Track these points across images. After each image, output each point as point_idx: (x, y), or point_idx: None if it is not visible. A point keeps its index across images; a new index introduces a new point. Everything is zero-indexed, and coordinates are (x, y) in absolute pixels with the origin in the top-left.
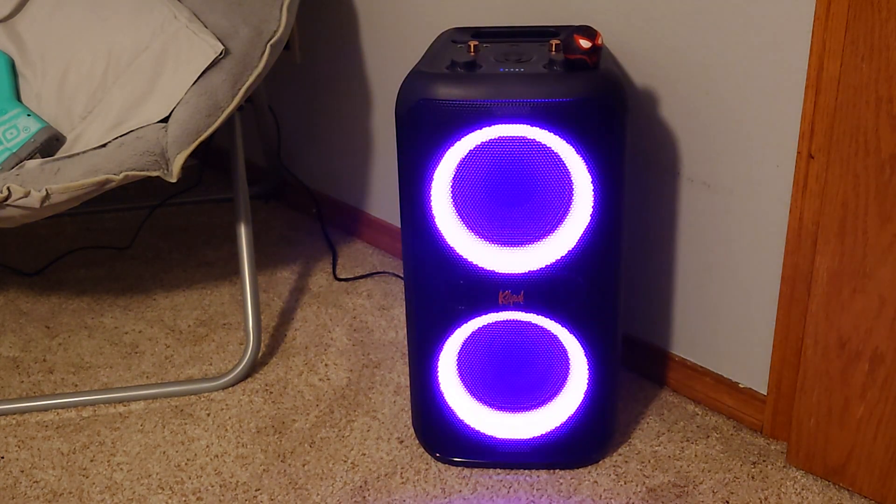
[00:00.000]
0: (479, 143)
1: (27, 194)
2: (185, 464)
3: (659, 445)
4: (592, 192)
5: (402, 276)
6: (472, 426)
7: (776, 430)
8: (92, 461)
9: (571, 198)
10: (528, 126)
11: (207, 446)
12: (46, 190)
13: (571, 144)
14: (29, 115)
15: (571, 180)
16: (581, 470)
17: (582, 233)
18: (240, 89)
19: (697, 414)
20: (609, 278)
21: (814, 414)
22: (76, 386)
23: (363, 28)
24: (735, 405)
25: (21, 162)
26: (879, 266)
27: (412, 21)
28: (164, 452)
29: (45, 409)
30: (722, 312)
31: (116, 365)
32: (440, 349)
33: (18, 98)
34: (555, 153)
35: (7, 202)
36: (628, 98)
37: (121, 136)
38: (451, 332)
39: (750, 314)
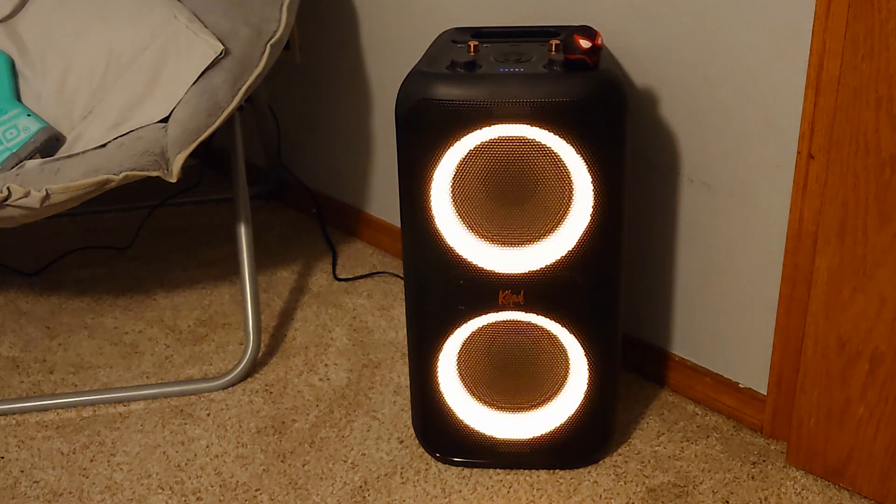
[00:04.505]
0: (479, 143)
1: (27, 194)
2: (185, 464)
3: (659, 445)
4: (592, 192)
5: (402, 276)
6: (472, 426)
7: (776, 430)
8: (92, 461)
9: (571, 198)
10: (528, 126)
11: (207, 446)
12: (46, 190)
13: (571, 144)
14: (29, 115)
15: (571, 180)
16: (581, 470)
17: (582, 233)
18: (240, 89)
19: (697, 414)
20: (609, 278)
21: (814, 414)
22: (76, 386)
23: (363, 28)
24: (735, 405)
25: (21, 162)
26: (879, 266)
27: (412, 21)
28: (164, 452)
29: (45, 409)
30: (722, 312)
31: (116, 365)
32: (440, 349)
33: (18, 98)
34: (555, 153)
35: (7, 202)
36: (628, 98)
37: (121, 136)
38: (451, 332)
39: (750, 314)
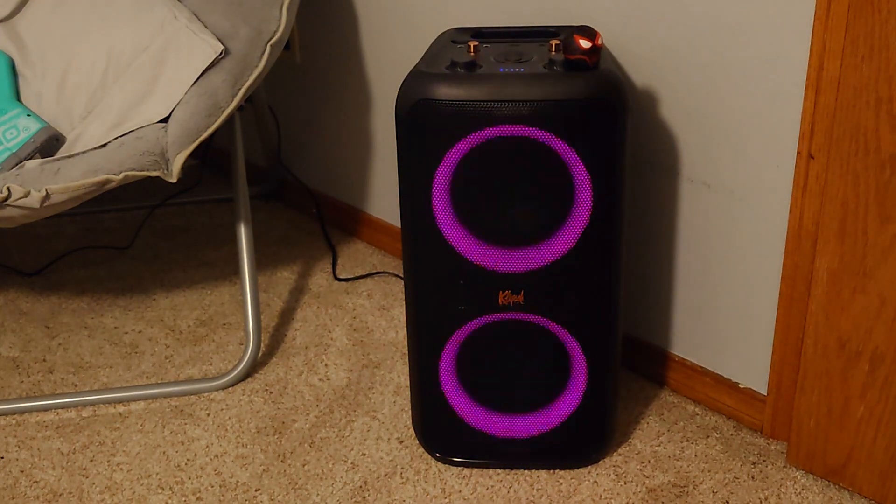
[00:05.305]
0: (479, 143)
1: (27, 194)
2: (185, 464)
3: (659, 445)
4: (592, 193)
5: (402, 276)
6: (472, 426)
7: (776, 430)
8: (92, 461)
9: (571, 198)
10: (528, 126)
11: (207, 446)
12: (46, 190)
13: (571, 144)
14: (29, 115)
15: (571, 180)
16: (581, 470)
17: (582, 233)
18: (240, 89)
19: (697, 414)
20: (609, 278)
21: (814, 414)
22: (76, 386)
23: (363, 28)
24: (735, 405)
25: (21, 162)
26: (879, 266)
27: (412, 21)
28: (164, 452)
29: (45, 409)
30: (722, 313)
31: (116, 365)
32: (440, 349)
33: (18, 98)
34: (555, 153)
35: (7, 202)
36: (628, 98)
37: (121, 136)
38: (451, 332)
39: (750, 314)
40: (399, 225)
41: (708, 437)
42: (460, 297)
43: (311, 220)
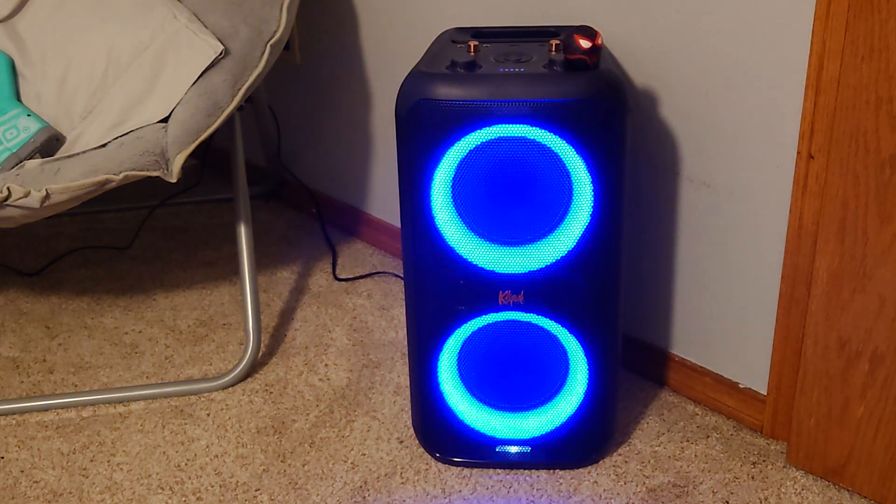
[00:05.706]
0: (479, 143)
1: (27, 194)
2: (185, 464)
3: (659, 445)
4: (592, 192)
5: (402, 276)
6: (472, 426)
7: (776, 430)
8: (92, 461)
9: (571, 198)
10: (528, 126)
11: (207, 446)
12: (46, 190)
13: (571, 144)
14: (29, 115)
15: (571, 180)
16: (581, 470)
17: (582, 233)
18: (240, 89)
19: (697, 414)
20: (609, 278)
21: (814, 414)
22: (76, 386)
23: (363, 28)
24: (735, 405)
25: (21, 162)
26: (879, 266)
27: (412, 21)
28: (164, 452)
29: (45, 409)
30: (722, 312)
31: (116, 365)
32: (440, 349)
33: (18, 98)
34: (555, 153)
35: (7, 202)
36: (628, 98)
37: (121, 136)
38: (451, 332)
39: (750, 314)
40: (399, 225)
41: (708, 437)
42: (460, 297)
43: (311, 220)
